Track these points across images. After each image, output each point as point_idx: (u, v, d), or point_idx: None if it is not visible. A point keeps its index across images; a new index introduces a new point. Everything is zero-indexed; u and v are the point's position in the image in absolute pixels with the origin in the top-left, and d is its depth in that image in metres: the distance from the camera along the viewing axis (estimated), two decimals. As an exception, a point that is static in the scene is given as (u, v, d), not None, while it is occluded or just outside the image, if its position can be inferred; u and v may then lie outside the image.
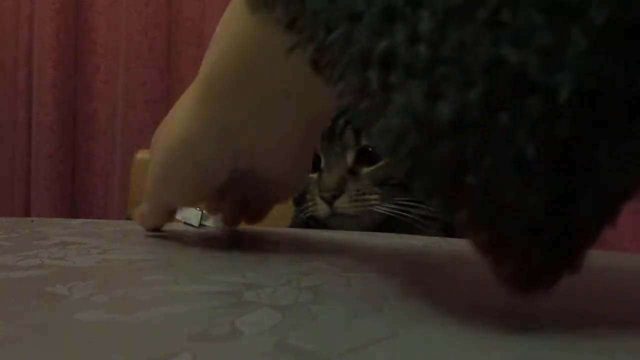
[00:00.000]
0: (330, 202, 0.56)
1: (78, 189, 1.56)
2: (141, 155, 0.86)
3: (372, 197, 0.56)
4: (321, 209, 0.57)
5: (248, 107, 0.28)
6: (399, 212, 0.56)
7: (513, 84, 0.13)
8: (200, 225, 0.45)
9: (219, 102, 0.28)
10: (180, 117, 0.30)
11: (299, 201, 0.62)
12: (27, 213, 1.54)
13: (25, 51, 1.57)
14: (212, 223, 0.45)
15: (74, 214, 1.52)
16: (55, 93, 1.52)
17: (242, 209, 0.40)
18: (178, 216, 0.45)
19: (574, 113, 0.13)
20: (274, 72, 0.26)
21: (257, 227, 0.47)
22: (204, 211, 0.45)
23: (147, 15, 1.43)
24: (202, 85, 0.29)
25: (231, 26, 0.26)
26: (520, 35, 0.13)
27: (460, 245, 0.37)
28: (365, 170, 0.57)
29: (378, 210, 0.56)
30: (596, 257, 0.29)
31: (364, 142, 0.58)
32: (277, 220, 0.66)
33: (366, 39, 0.16)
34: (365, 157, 0.58)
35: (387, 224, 0.56)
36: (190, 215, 0.45)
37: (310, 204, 0.59)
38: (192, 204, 0.35)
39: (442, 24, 0.14)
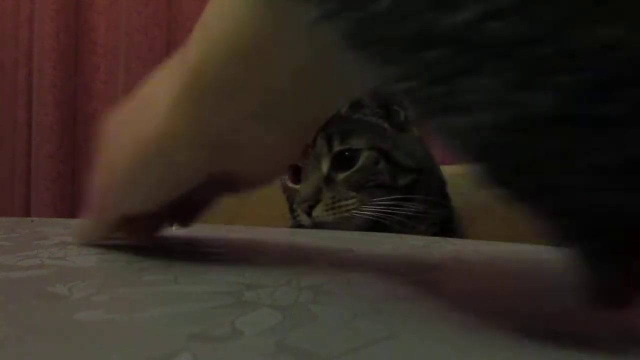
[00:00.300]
0: (308, 213, 0.56)
1: (78, 189, 1.56)
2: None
3: (349, 202, 0.55)
4: (303, 219, 0.57)
5: (238, 111, 0.24)
6: (382, 215, 0.55)
7: (627, 69, 0.11)
8: None
9: (210, 100, 0.23)
10: (156, 111, 0.25)
11: (290, 211, 0.63)
12: (27, 213, 1.54)
13: (25, 51, 1.57)
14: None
15: (74, 214, 1.52)
16: (55, 93, 1.52)
17: (189, 210, 0.34)
18: None
19: None
20: (272, 72, 0.22)
21: (257, 228, 0.47)
22: None
23: (147, 15, 1.43)
24: (190, 77, 0.23)
25: (226, 7, 0.22)
26: (633, 11, 0.11)
27: (461, 245, 0.37)
28: (341, 175, 0.56)
29: (358, 215, 0.55)
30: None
31: (337, 147, 0.57)
32: (278, 220, 0.66)
33: (428, 10, 0.13)
34: (341, 162, 0.57)
35: (373, 229, 0.55)
36: None
37: (296, 214, 0.59)
38: (148, 209, 0.29)
39: None
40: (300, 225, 0.60)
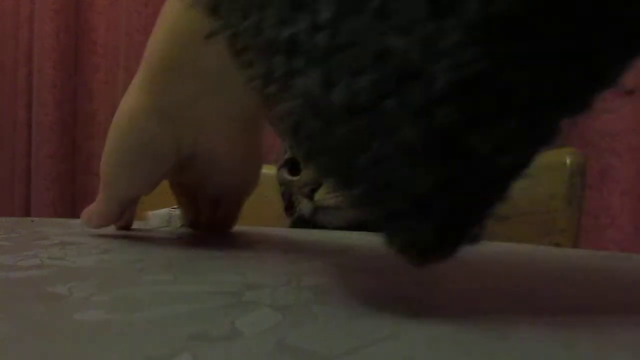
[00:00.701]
0: (310, 197, 0.57)
1: (78, 189, 1.56)
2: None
3: None
4: (305, 206, 0.58)
5: (188, 88, 0.29)
6: None
7: (398, 72, 0.14)
8: (166, 225, 0.44)
9: (160, 83, 0.30)
10: (127, 97, 0.32)
11: (287, 207, 0.63)
12: (27, 213, 1.54)
13: (25, 51, 1.57)
14: (175, 223, 0.44)
15: (74, 214, 1.52)
16: (55, 93, 1.52)
17: (213, 212, 0.40)
18: (149, 224, 0.44)
19: (451, 101, 0.14)
20: (208, 56, 0.27)
21: (257, 227, 0.47)
22: (173, 213, 0.44)
23: (147, 15, 1.43)
24: (146, 65, 0.31)
25: (167, 12, 0.29)
26: (405, 25, 0.14)
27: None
28: None
29: None
30: (596, 257, 0.29)
31: None
32: (277, 220, 0.66)
33: (273, 27, 0.17)
34: None
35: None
36: (158, 218, 0.44)
37: (295, 203, 0.60)
38: (144, 190, 0.34)
39: (338, 14, 0.15)
40: (298, 219, 0.60)
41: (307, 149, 0.17)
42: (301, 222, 0.61)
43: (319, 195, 0.56)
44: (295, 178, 0.61)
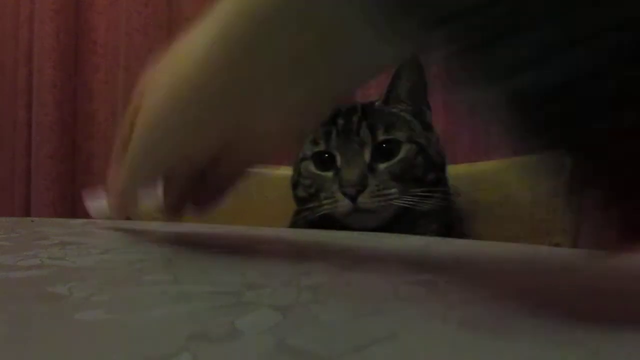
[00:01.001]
0: (354, 198, 0.56)
1: (78, 189, 1.56)
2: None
3: (391, 191, 0.57)
4: (343, 205, 0.57)
5: (266, 69, 0.27)
6: (414, 203, 0.57)
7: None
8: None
9: (238, 54, 0.26)
10: (192, 57, 0.28)
11: (304, 200, 0.62)
12: (27, 213, 1.54)
13: (25, 51, 1.57)
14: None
15: (74, 214, 1.52)
16: (55, 93, 1.52)
17: (195, 190, 0.34)
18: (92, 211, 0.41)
19: None
20: (290, 40, 0.25)
21: (257, 227, 0.47)
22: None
23: (147, 15, 1.43)
24: (224, 28, 0.27)
25: None
26: None
27: (461, 245, 0.37)
28: (382, 165, 0.58)
29: (397, 204, 0.57)
30: (595, 257, 0.29)
31: (380, 137, 0.59)
32: (277, 220, 0.66)
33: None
34: (381, 152, 0.59)
35: (398, 215, 0.58)
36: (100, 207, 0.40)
37: (326, 202, 0.59)
38: (185, 168, 0.30)
39: None
40: (321, 217, 0.59)
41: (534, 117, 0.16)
42: (308, 223, 0.61)
43: (364, 198, 0.56)
44: (325, 173, 0.60)
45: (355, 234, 0.47)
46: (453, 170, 0.66)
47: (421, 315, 0.17)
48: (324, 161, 0.61)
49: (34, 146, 1.55)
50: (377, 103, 0.63)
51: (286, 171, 0.76)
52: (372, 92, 1.05)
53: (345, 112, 0.61)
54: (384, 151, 0.59)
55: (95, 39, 1.56)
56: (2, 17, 1.65)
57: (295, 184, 0.64)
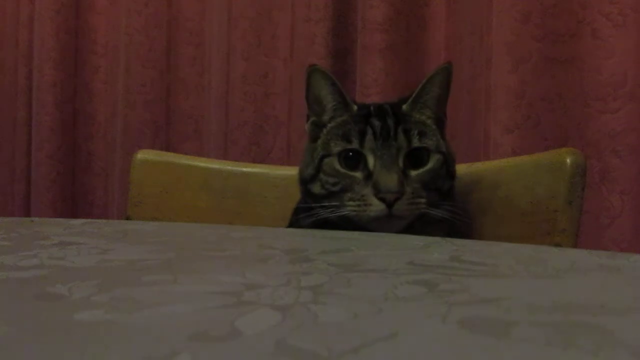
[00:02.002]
0: (391, 204, 0.56)
1: (78, 189, 1.56)
2: (141, 155, 0.86)
3: (422, 200, 0.57)
4: (377, 209, 0.55)
5: None
6: (442, 213, 0.57)
7: None
8: None
9: None
10: None
11: (320, 197, 0.60)
12: (27, 213, 1.54)
13: (25, 51, 1.57)
14: None
15: (74, 214, 1.52)
16: (55, 93, 1.52)
17: None
18: None
19: None
20: None
21: (257, 227, 0.47)
22: None
23: (147, 15, 1.43)
24: None
25: None
26: None
27: (461, 245, 0.37)
28: (414, 173, 0.58)
29: (425, 211, 0.57)
30: (596, 257, 0.29)
31: (415, 144, 0.58)
32: (277, 221, 0.66)
33: None
34: (410, 160, 0.58)
35: (412, 223, 0.57)
36: None
37: (353, 203, 0.57)
38: None
39: None
40: (345, 218, 0.58)
41: None
42: (315, 224, 0.59)
43: (400, 205, 0.56)
44: (352, 173, 0.58)
45: (356, 234, 0.46)
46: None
47: (421, 315, 0.17)
48: (352, 160, 0.59)
49: (34, 146, 1.55)
50: (403, 106, 0.61)
51: (286, 171, 0.76)
52: (372, 91, 1.05)
53: (377, 112, 0.60)
54: (414, 159, 0.58)
55: (95, 39, 1.56)
56: (2, 17, 1.65)
57: (310, 179, 0.62)
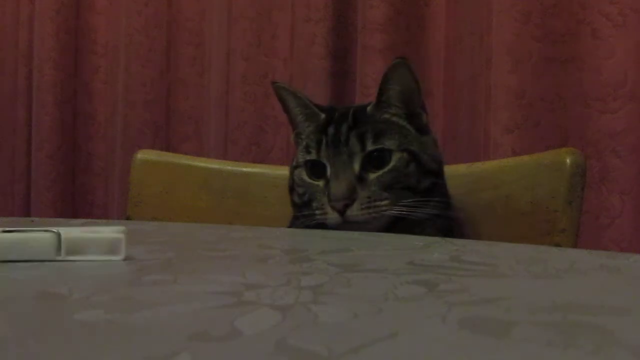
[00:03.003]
0: (342, 212, 0.56)
1: (78, 189, 1.56)
2: (141, 155, 0.86)
3: (383, 202, 0.57)
4: (332, 217, 0.56)
5: None
6: (408, 212, 0.57)
7: None
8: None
9: None
10: None
11: (299, 206, 0.61)
12: (27, 213, 1.54)
13: (25, 51, 1.57)
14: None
15: (74, 214, 1.52)
16: (55, 93, 1.52)
17: None
18: None
19: None
20: None
21: (257, 227, 0.47)
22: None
23: (147, 15, 1.43)
24: None
25: None
26: None
27: (461, 245, 0.37)
28: (372, 175, 0.58)
29: (388, 214, 0.57)
30: (596, 257, 0.29)
31: (370, 147, 0.58)
32: (277, 221, 0.66)
33: None
34: (371, 162, 0.58)
35: (392, 224, 0.57)
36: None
37: (318, 212, 0.58)
38: None
39: None
40: (319, 224, 0.59)
41: None
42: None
43: (352, 212, 0.56)
44: (316, 182, 0.59)
45: (356, 234, 0.46)
46: (453, 171, 0.66)
47: (421, 315, 0.17)
48: (316, 169, 0.60)
49: (34, 146, 1.55)
50: (368, 108, 0.61)
51: (286, 171, 0.76)
52: (372, 91, 1.05)
53: (337, 119, 0.60)
54: (374, 160, 0.58)
55: (95, 39, 1.56)
56: (2, 17, 1.65)
57: (290, 189, 0.64)
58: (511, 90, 0.90)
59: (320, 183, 0.59)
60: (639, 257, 0.33)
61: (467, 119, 1.00)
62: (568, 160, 0.57)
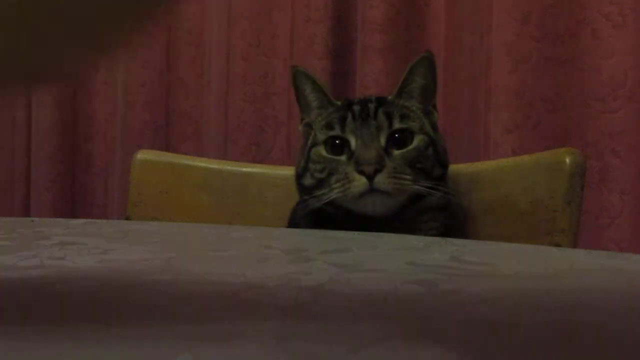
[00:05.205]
0: (371, 177, 0.57)
1: (78, 189, 1.56)
2: (141, 155, 0.86)
3: (407, 177, 0.58)
4: (359, 185, 0.57)
5: None
6: (428, 192, 0.58)
7: None
8: None
9: None
10: None
11: (310, 188, 0.61)
12: (27, 213, 1.54)
13: (25, 51, 1.57)
14: None
15: (74, 214, 1.52)
16: (55, 93, 1.52)
17: None
18: None
19: None
20: None
21: (257, 227, 0.47)
22: None
23: (147, 15, 1.43)
24: None
25: None
26: None
27: (461, 245, 0.37)
28: (397, 152, 0.60)
29: (411, 190, 0.58)
30: (596, 257, 0.29)
31: (396, 125, 0.60)
32: (277, 221, 0.66)
33: None
34: (395, 141, 0.60)
35: (405, 206, 0.58)
36: None
37: (337, 185, 0.59)
38: None
39: None
40: (329, 204, 0.58)
41: None
42: (310, 215, 0.60)
43: (381, 178, 0.57)
44: (338, 157, 0.60)
45: (356, 234, 0.47)
46: (453, 170, 0.66)
47: (420, 315, 0.17)
48: (337, 146, 0.61)
49: (33, 146, 1.55)
50: (390, 97, 0.64)
51: (286, 171, 0.76)
52: (372, 91, 1.05)
53: (360, 100, 0.63)
54: (398, 140, 0.60)
55: (95, 39, 1.56)
56: (2, 17, 1.65)
57: (302, 173, 0.64)
58: (511, 91, 0.90)
59: (343, 157, 0.60)
60: (639, 257, 0.33)
61: (467, 119, 1.00)
62: (567, 160, 0.57)
